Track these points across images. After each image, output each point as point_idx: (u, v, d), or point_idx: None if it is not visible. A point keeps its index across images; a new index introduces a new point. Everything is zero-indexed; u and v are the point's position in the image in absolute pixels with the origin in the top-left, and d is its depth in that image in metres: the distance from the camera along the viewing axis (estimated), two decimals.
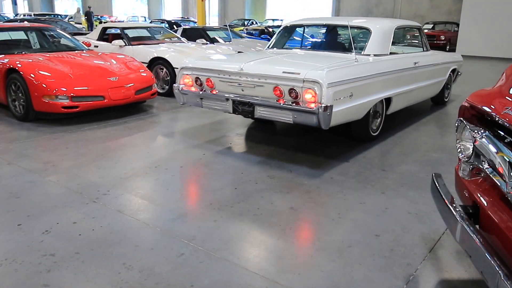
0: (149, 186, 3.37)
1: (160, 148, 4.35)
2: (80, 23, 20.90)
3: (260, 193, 3.24)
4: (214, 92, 4.22)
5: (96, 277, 2.18)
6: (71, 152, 4.14)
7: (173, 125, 5.32)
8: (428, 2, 21.10)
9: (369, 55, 4.54)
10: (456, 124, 1.99)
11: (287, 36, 5.44)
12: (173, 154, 4.13)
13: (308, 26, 5.56)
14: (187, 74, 4.44)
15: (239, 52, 8.20)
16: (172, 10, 33.08)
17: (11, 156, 3.98)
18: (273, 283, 2.16)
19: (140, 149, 4.28)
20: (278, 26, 13.07)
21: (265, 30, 12.19)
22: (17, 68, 5.03)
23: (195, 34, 9.81)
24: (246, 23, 23.87)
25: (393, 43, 4.94)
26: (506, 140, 1.68)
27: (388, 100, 4.68)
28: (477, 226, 1.77)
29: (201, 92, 4.31)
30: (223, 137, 4.74)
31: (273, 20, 25.43)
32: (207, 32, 9.92)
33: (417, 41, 5.88)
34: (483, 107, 1.83)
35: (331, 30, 5.43)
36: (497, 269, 1.42)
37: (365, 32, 4.74)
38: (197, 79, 4.34)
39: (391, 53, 4.81)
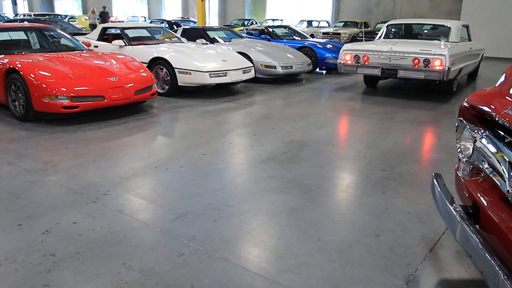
0: (149, 186, 3.37)
1: (160, 148, 4.35)
2: (95, 24, 19.36)
3: (260, 193, 3.25)
4: (367, 63, 7.20)
5: (96, 277, 2.18)
6: (71, 152, 4.14)
7: (173, 125, 5.32)
8: (428, 2, 21.06)
9: (452, 41, 7.53)
10: (456, 124, 1.99)
11: (390, 31, 8.54)
12: (173, 154, 4.13)
13: (404, 24, 8.58)
14: (348, 53, 7.42)
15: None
16: (172, 10, 33.00)
17: (11, 156, 3.98)
18: (273, 283, 2.16)
19: (140, 149, 4.28)
20: (278, 26, 13.02)
21: (265, 30, 12.11)
22: (17, 68, 5.03)
23: (195, 34, 9.79)
24: (246, 23, 23.82)
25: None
26: (506, 140, 1.68)
27: (460, 70, 7.33)
28: (477, 226, 1.77)
29: (358, 64, 7.29)
30: (223, 137, 4.74)
31: (273, 20, 25.36)
32: (207, 32, 9.91)
33: (466, 34, 8.69)
34: (483, 107, 1.83)
35: (422, 26, 8.66)
36: (497, 269, 1.42)
37: (447, 28, 7.85)
38: (355, 56, 7.31)
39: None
